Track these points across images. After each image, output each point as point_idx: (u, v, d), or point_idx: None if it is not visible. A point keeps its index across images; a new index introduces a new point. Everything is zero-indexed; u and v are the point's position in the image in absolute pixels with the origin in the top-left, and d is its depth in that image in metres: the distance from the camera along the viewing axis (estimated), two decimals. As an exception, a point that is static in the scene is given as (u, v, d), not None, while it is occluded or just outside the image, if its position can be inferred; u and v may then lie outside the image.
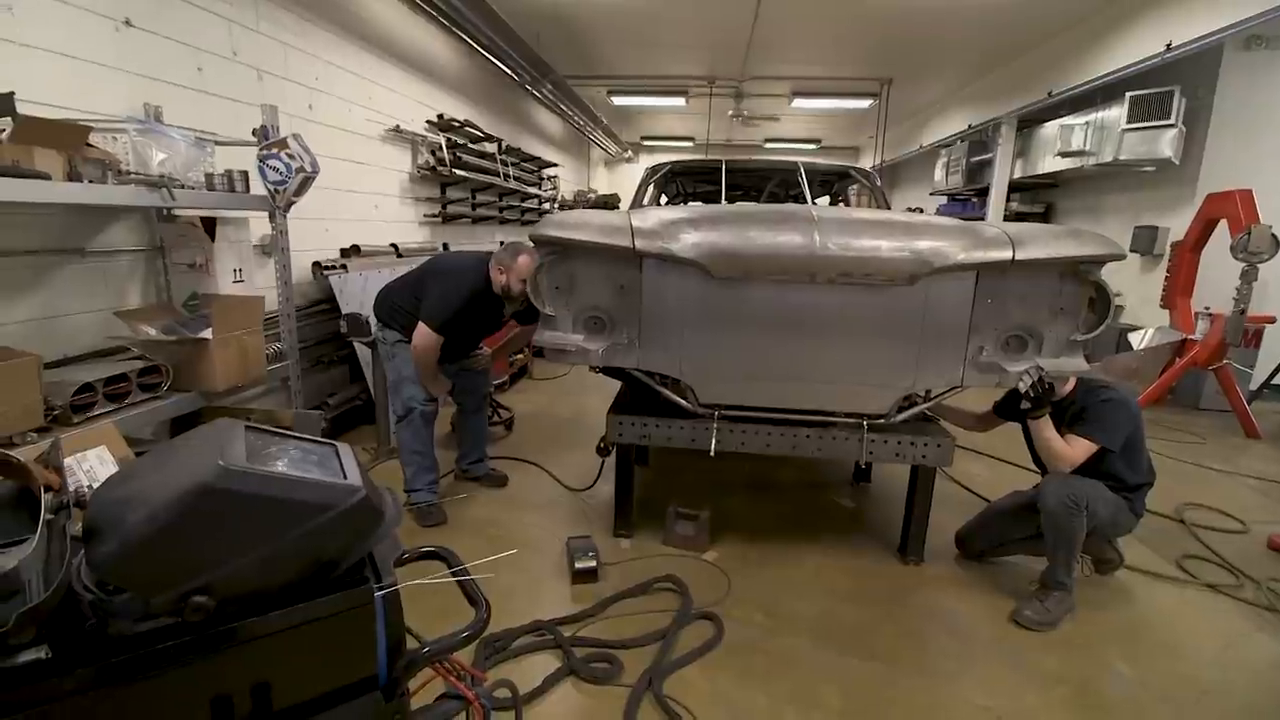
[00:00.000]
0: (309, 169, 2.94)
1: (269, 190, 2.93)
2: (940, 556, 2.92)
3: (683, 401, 2.48)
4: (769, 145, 14.31)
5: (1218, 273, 5.10)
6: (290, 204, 3.00)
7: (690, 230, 2.16)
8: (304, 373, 4.07)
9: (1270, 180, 5.57)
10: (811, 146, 14.90)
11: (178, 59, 3.11)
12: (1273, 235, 4.48)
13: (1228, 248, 4.71)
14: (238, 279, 3.00)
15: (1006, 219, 7.96)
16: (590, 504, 3.33)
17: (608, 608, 2.41)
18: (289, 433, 1.00)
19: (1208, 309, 5.15)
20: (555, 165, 9.74)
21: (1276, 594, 2.70)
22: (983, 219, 8.13)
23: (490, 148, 7.14)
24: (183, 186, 2.52)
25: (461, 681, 1.16)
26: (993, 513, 2.85)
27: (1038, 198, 8.44)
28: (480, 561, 1.24)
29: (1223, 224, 4.91)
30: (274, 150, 2.89)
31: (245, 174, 2.89)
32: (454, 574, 1.17)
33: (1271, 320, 5.35)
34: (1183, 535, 3.26)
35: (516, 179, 7.69)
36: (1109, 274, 2.15)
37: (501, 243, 3.07)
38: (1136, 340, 5.70)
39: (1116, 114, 6.13)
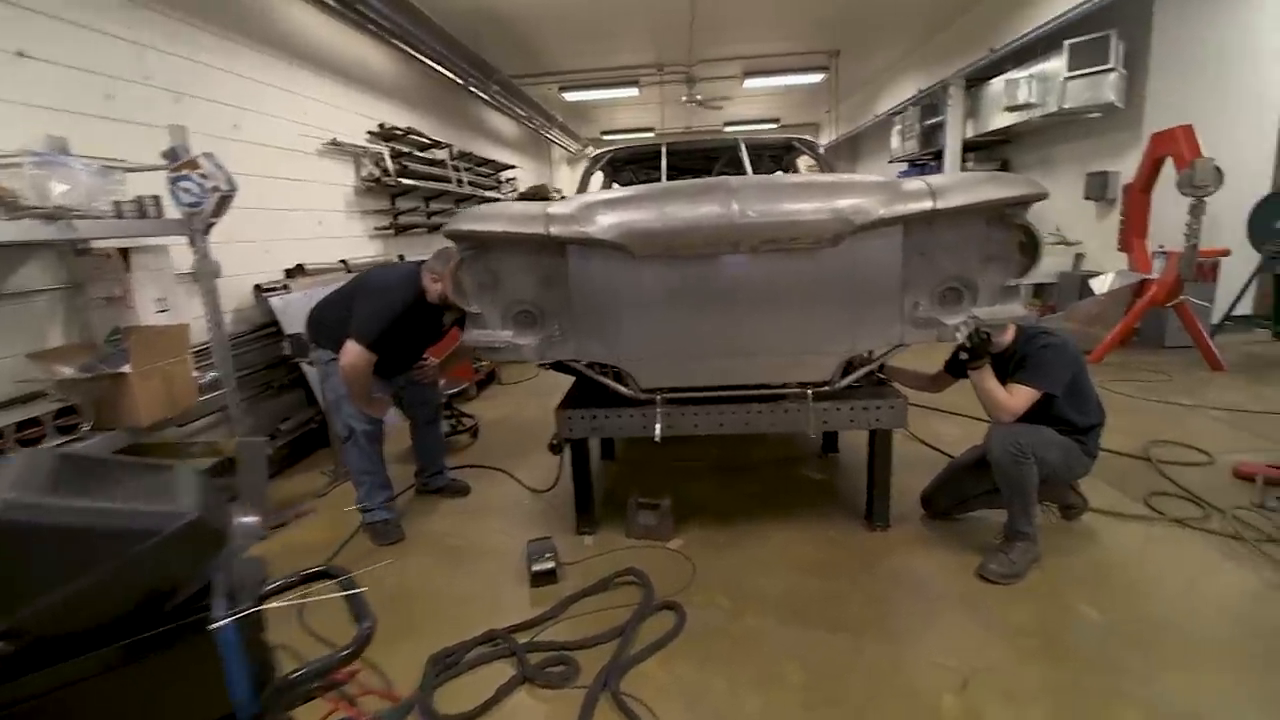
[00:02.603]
0: (225, 187, 2.84)
1: (185, 213, 2.82)
2: (908, 519, 2.89)
3: (623, 389, 2.41)
4: (729, 129, 14.27)
5: (1170, 211, 5.12)
6: (209, 225, 2.90)
7: (606, 211, 2.08)
8: (254, 399, 3.98)
9: (1211, 114, 5.60)
10: (772, 126, 14.88)
11: (83, 87, 2.99)
12: (1215, 167, 4.50)
13: (1174, 184, 4.73)
14: (162, 309, 2.89)
15: (964, 179, 7.96)
16: (554, 504, 3.26)
17: (567, 608, 2.34)
18: (122, 459, 0.93)
19: (1162, 248, 5.17)
20: (513, 167, 9.62)
21: (1242, 522, 2.69)
22: (941, 181, 8.14)
23: (440, 154, 7.03)
24: (83, 217, 2.41)
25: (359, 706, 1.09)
26: (953, 469, 2.82)
27: (992, 155, 8.47)
28: (367, 569, 1.17)
29: (1170, 161, 4.92)
30: (185, 171, 2.78)
31: (157, 199, 2.78)
32: (340, 584, 1.10)
33: (1225, 253, 5.39)
34: (1150, 473, 3.25)
35: (471, 184, 7.58)
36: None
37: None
38: (1098, 285, 5.73)
39: (1058, 64, 6.13)
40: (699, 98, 10.02)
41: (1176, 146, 4.75)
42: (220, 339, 2.98)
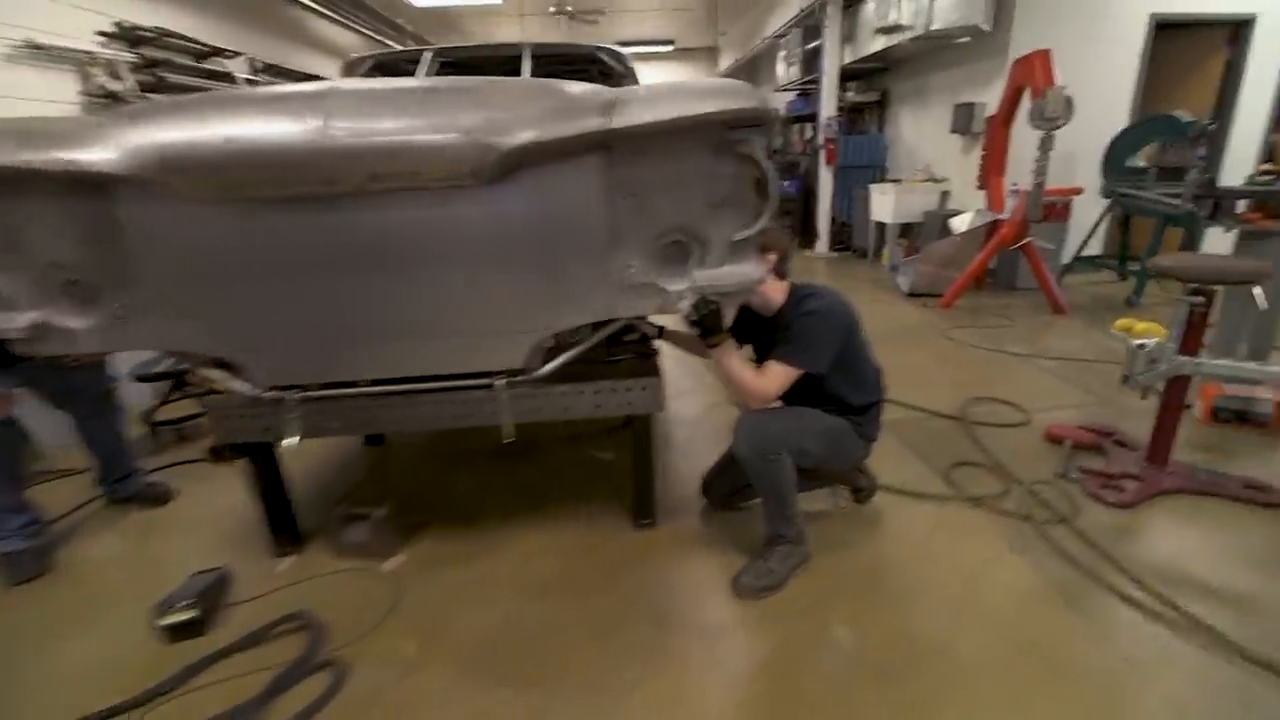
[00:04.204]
0: None
1: None
2: (687, 512, 2.47)
3: (239, 386, 1.76)
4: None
5: (1032, 147, 4.81)
6: None
7: (125, 127, 1.37)
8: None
9: (1076, 41, 5.30)
10: (668, 48, 13.87)
11: None
12: (1067, 98, 4.17)
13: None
14: None
15: (840, 109, 7.48)
16: (273, 510, 2.62)
17: (189, 679, 1.76)
18: None
19: (1015, 186, 4.90)
20: (352, 87, 8.30)
21: (1037, 499, 2.44)
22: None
23: (232, 65, 5.81)
24: None
25: None
26: (729, 453, 2.39)
27: (872, 84, 8.02)
28: None
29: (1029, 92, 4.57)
30: None
31: None
32: None
33: (1078, 191, 5.21)
34: (962, 438, 2.98)
35: (282, 106, 6.37)
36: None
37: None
38: (957, 225, 5.47)
39: (929, -21, 5.61)
40: (569, 9, 8.94)
41: (1032, 75, 4.39)
42: None
